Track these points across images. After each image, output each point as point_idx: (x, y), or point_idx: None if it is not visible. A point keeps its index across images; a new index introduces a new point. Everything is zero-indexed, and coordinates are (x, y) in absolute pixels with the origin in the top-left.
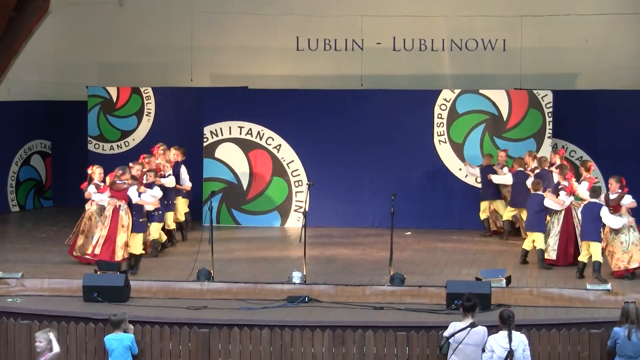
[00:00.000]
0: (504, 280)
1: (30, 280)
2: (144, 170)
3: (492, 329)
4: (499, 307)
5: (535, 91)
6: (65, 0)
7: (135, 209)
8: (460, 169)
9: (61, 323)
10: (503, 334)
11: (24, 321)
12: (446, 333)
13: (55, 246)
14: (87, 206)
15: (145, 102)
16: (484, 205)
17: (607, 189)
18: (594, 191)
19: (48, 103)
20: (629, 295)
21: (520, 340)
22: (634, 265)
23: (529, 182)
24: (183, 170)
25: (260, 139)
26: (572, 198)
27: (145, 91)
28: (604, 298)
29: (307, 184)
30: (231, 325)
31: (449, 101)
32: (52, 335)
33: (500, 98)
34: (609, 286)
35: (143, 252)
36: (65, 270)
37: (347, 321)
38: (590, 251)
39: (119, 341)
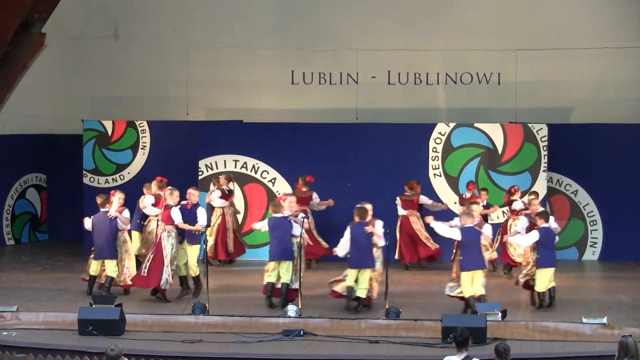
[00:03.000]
0: (500, 314)
1: (26, 314)
2: None
3: None
4: (494, 341)
5: (530, 125)
6: (61, 35)
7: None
8: (455, 203)
9: (56, 356)
10: None
11: (19, 354)
12: None
13: (50, 279)
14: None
15: (141, 135)
16: None
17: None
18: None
19: (43, 137)
20: (625, 329)
21: None
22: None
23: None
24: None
25: (255, 172)
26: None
27: (141, 125)
28: (600, 332)
29: (301, 217)
30: (226, 359)
31: (444, 135)
32: None
33: (495, 132)
34: (605, 320)
35: None
36: (60, 304)
37: (342, 355)
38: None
39: None
